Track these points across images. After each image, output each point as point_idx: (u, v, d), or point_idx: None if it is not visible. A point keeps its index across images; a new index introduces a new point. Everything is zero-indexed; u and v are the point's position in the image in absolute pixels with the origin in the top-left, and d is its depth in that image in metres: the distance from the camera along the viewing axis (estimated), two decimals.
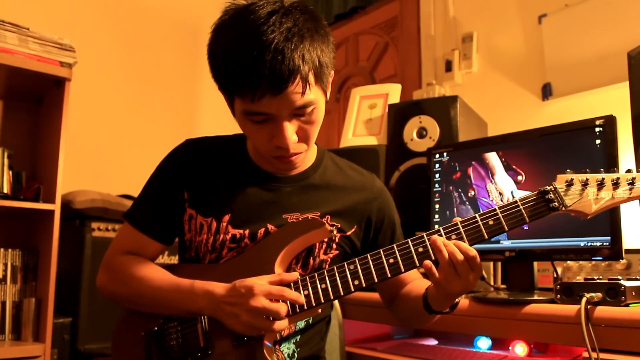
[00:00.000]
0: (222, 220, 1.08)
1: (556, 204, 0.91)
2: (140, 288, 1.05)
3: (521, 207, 0.91)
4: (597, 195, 0.90)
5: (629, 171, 0.90)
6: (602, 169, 0.93)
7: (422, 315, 1.05)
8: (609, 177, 0.90)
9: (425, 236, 0.94)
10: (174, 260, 2.20)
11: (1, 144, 1.92)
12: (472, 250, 0.90)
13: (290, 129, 0.96)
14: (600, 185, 0.90)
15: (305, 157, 1.10)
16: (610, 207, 0.90)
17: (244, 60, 0.90)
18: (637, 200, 1.16)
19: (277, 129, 0.96)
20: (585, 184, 0.91)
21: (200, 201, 1.10)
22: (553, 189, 0.92)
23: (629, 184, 0.89)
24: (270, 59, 0.88)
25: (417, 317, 1.10)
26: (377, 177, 1.21)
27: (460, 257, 0.90)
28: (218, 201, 1.09)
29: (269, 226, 1.07)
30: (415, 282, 1.16)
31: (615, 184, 0.90)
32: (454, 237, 0.92)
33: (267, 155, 1.03)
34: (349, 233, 1.12)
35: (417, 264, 0.93)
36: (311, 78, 0.94)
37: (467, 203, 1.40)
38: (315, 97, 0.96)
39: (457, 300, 1.00)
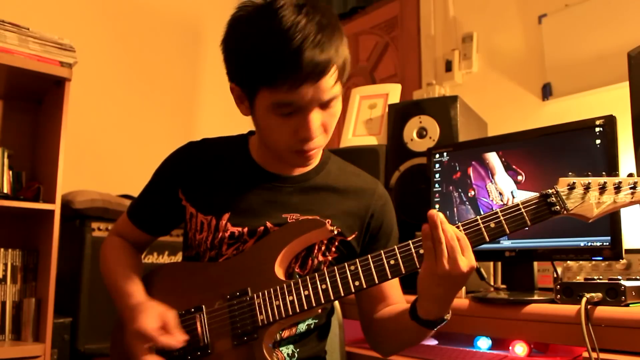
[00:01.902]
0: (222, 218, 1.08)
1: (558, 207, 0.90)
2: (109, 275, 1.15)
3: (523, 210, 0.91)
4: (599, 199, 0.89)
5: (630, 175, 0.90)
6: (603, 173, 0.92)
7: (403, 328, 1.00)
8: (610, 181, 0.90)
9: None
10: (174, 260, 2.20)
11: (1, 144, 1.92)
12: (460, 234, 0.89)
13: (317, 121, 0.97)
14: (602, 189, 0.89)
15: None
16: (612, 211, 0.90)
17: (282, 51, 0.90)
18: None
19: (304, 120, 0.96)
20: (587, 188, 0.90)
21: (200, 200, 1.12)
22: (555, 193, 0.91)
23: (630, 188, 0.88)
24: (310, 49, 0.90)
25: (400, 333, 1.04)
26: (380, 183, 1.20)
27: (450, 232, 0.87)
28: (218, 200, 1.10)
29: (268, 224, 1.07)
30: (400, 304, 1.12)
31: (617, 188, 0.89)
32: None
33: (286, 151, 1.02)
34: (349, 238, 1.11)
35: (418, 266, 0.92)
36: (339, 70, 0.97)
37: (467, 203, 1.40)
38: (339, 90, 0.99)
39: (446, 316, 0.95)
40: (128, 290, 1.06)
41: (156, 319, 0.96)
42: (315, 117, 0.96)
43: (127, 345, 0.98)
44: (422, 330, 0.96)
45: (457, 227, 0.91)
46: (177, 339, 0.96)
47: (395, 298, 1.13)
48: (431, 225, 0.87)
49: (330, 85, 0.95)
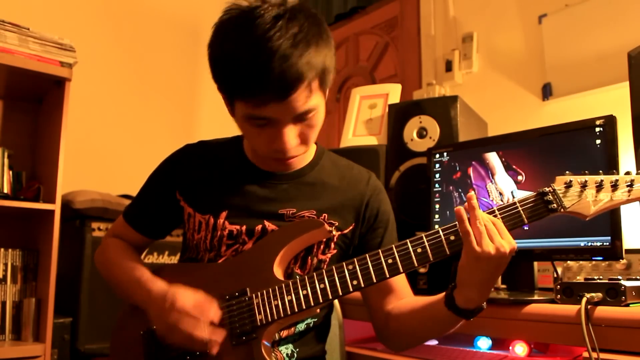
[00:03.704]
0: (219, 217, 1.09)
1: (555, 205, 0.91)
2: (112, 272, 1.15)
3: (520, 208, 0.91)
4: (596, 197, 0.90)
5: (627, 173, 0.91)
6: (600, 171, 0.93)
7: (436, 320, 0.99)
8: (607, 179, 0.90)
9: (424, 237, 0.94)
10: (174, 260, 2.20)
11: (1, 144, 1.92)
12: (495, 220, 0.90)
13: (291, 134, 0.97)
14: (599, 187, 0.90)
15: (303, 155, 1.12)
16: (609, 208, 0.90)
17: (250, 65, 0.90)
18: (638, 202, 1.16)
19: (278, 133, 0.97)
20: (584, 186, 0.91)
21: (197, 200, 1.13)
22: (552, 191, 0.92)
23: (627, 185, 0.89)
24: (277, 66, 0.88)
25: (428, 325, 1.02)
26: (375, 175, 1.21)
27: (486, 217, 0.88)
28: (215, 199, 1.11)
29: (266, 223, 1.08)
30: (413, 297, 1.11)
31: (614, 186, 0.90)
32: (452, 237, 0.92)
33: (266, 156, 1.05)
34: (346, 231, 1.12)
35: (416, 265, 0.93)
36: (315, 84, 0.95)
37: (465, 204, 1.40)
38: (317, 102, 0.97)
39: (483, 304, 0.94)
40: (148, 277, 1.06)
41: (191, 298, 0.97)
42: (289, 131, 0.96)
43: (164, 322, 0.96)
44: (457, 321, 0.95)
45: (455, 225, 0.91)
46: (216, 314, 0.97)
47: (404, 290, 1.12)
48: (469, 207, 0.88)
49: (301, 99, 0.93)
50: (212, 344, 0.95)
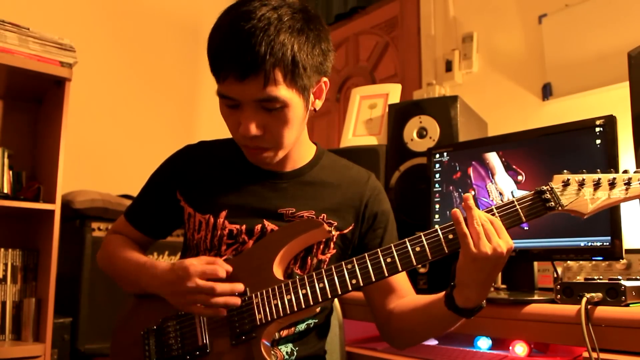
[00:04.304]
0: (219, 216, 1.09)
1: (552, 203, 0.91)
2: (115, 264, 1.15)
3: (518, 206, 0.92)
4: (594, 195, 0.90)
5: (625, 171, 0.91)
6: (598, 170, 0.93)
7: (436, 319, 0.99)
8: (605, 177, 0.91)
9: (422, 236, 0.94)
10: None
11: (1, 144, 1.92)
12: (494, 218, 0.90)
13: (249, 117, 0.97)
14: (597, 185, 0.91)
15: (303, 155, 1.13)
16: (607, 206, 0.91)
17: (222, 41, 0.95)
18: (637, 200, 1.16)
19: (240, 116, 0.98)
20: (581, 184, 0.91)
21: (197, 200, 1.13)
22: (549, 189, 0.92)
23: (625, 184, 0.89)
24: (239, 43, 0.91)
25: (429, 324, 1.03)
26: (373, 174, 1.20)
27: (484, 217, 0.88)
28: (215, 198, 1.11)
29: (266, 222, 1.08)
30: (415, 296, 1.11)
31: (612, 184, 0.90)
32: (450, 236, 0.92)
33: (239, 144, 1.06)
34: (345, 231, 1.12)
35: (415, 263, 0.93)
36: (279, 74, 0.94)
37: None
38: (285, 96, 0.96)
39: (483, 303, 0.95)
40: (153, 261, 1.06)
41: (199, 260, 0.96)
42: (249, 115, 0.97)
43: (179, 291, 0.95)
44: (457, 320, 0.96)
45: (453, 224, 0.92)
46: (223, 267, 0.96)
47: (406, 289, 1.12)
48: (466, 207, 0.89)
49: (259, 84, 0.93)
50: (231, 298, 0.95)
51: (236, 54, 0.92)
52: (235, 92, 0.95)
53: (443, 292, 0.97)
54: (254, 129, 0.98)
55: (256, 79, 0.93)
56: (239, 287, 0.97)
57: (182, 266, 0.95)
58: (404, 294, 1.11)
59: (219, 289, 0.93)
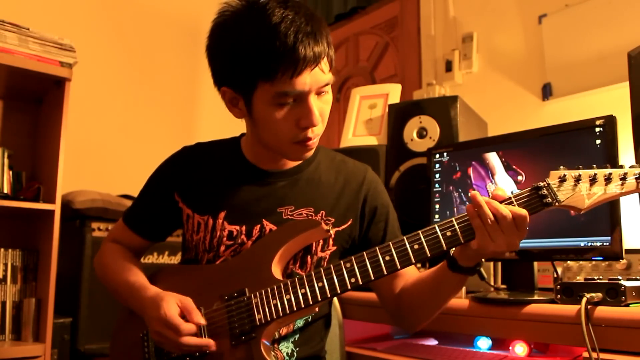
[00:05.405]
0: (218, 217, 1.09)
1: (549, 199, 0.92)
2: (109, 280, 1.15)
3: (515, 203, 0.92)
4: (590, 190, 0.91)
5: (621, 166, 0.91)
6: (594, 165, 0.93)
7: (442, 284, 1.02)
8: (601, 172, 0.91)
9: (420, 233, 0.95)
10: (175, 260, 2.20)
11: (1, 144, 1.92)
12: (523, 211, 0.90)
13: (316, 106, 1.00)
14: (593, 180, 0.91)
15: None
16: (604, 201, 0.91)
17: (279, 42, 0.94)
18: (637, 199, 1.16)
19: (306, 107, 0.99)
20: (577, 180, 0.92)
21: (196, 201, 1.13)
22: (546, 185, 0.93)
23: (621, 179, 0.90)
24: (304, 39, 0.95)
25: (435, 291, 1.05)
26: (370, 168, 1.21)
27: (506, 212, 0.89)
28: (214, 199, 1.11)
29: (265, 222, 1.08)
30: (418, 272, 1.13)
31: (608, 179, 0.91)
32: (449, 233, 0.93)
33: (287, 143, 1.04)
34: (344, 227, 1.12)
35: (413, 261, 0.94)
36: (331, 57, 1.02)
37: (467, 203, 1.40)
38: (332, 76, 1.03)
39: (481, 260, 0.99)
40: (142, 283, 1.07)
41: (176, 306, 0.98)
42: (315, 104, 1.00)
43: (154, 331, 0.99)
44: (462, 280, 1.01)
45: (451, 221, 0.94)
46: (198, 321, 0.97)
47: (411, 272, 1.13)
48: (476, 204, 0.91)
49: (326, 71, 1.00)
50: (202, 348, 0.97)
51: (306, 49, 0.95)
52: (306, 84, 0.97)
53: (444, 261, 1.01)
54: (319, 118, 1.01)
55: (322, 66, 0.99)
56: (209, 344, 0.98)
57: (157, 305, 0.98)
58: (410, 277, 1.12)
59: (184, 341, 0.95)
